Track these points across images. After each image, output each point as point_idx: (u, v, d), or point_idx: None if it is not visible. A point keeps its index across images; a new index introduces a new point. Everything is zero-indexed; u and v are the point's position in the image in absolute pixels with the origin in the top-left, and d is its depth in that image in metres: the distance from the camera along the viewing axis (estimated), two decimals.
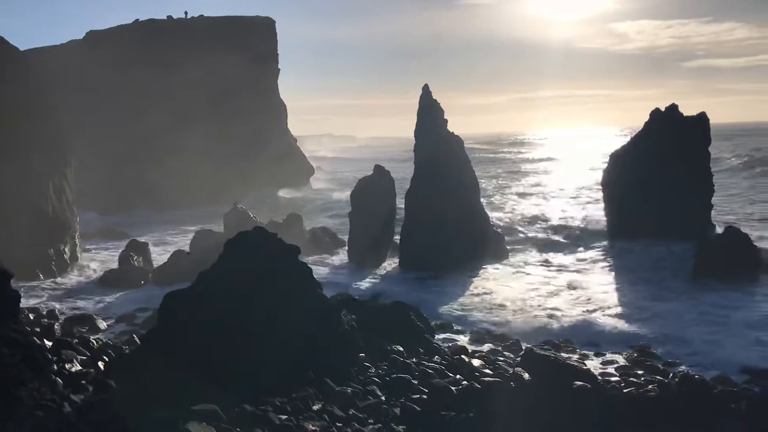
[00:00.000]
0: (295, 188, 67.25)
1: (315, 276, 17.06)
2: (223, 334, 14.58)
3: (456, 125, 32.79)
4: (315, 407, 13.56)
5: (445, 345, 19.74)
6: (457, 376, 15.93)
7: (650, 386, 15.26)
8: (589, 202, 50.22)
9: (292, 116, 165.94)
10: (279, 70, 74.51)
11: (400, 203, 34.09)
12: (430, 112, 33.10)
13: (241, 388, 13.52)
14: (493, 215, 39.18)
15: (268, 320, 15.16)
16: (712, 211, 33.17)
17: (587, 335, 20.96)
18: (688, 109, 34.02)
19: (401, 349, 17.49)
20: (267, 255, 15.96)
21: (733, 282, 26.10)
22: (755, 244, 28.36)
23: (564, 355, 17.91)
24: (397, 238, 33.87)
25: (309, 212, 50.46)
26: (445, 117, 33.16)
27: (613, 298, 25.43)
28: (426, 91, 33.34)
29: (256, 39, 70.23)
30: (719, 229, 30.65)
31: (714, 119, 34.14)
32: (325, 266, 33.23)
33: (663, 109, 34.32)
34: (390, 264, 32.95)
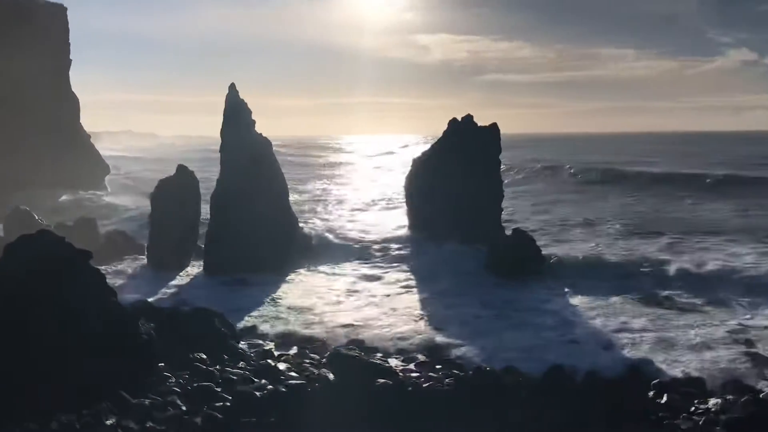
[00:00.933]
0: (87, 189, 62.57)
1: (110, 283, 15.98)
2: (3, 348, 13.15)
3: (266, 127, 32.41)
4: (108, 422, 12.69)
5: (251, 350, 19.38)
6: (263, 381, 15.69)
7: (447, 380, 16.12)
8: (393, 206, 52.12)
9: (87, 111, 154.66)
10: (71, 60, 69.14)
11: (205, 206, 33.07)
12: (237, 113, 32.40)
13: (25, 405, 12.29)
14: (303, 218, 39.26)
15: (56, 331, 13.91)
16: (502, 214, 35.78)
17: (390, 335, 21.60)
18: (482, 119, 36.47)
19: (204, 356, 16.91)
20: (54, 261, 14.65)
21: (520, 280, 28.42)
22: (539, 244, 31.15)
23: (368, 354, 18.31)
24: (202, 242, 32.80)
25: (104, 215, 47.19)
26: (254, 118, 32.66)
27: (413, 298, 26.53)
28: (233, 91, 32.59)
29: (43, 26, 64.47)
30: (508, 231, 33.11)
31: (504, 129, 36.83)
32: (122, 273, 31.28)
33: (460, 119, 36.47)
34: (194, 269, 31.81)
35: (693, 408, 15.05)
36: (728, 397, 15.63)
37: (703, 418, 14.30)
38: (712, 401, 15.34)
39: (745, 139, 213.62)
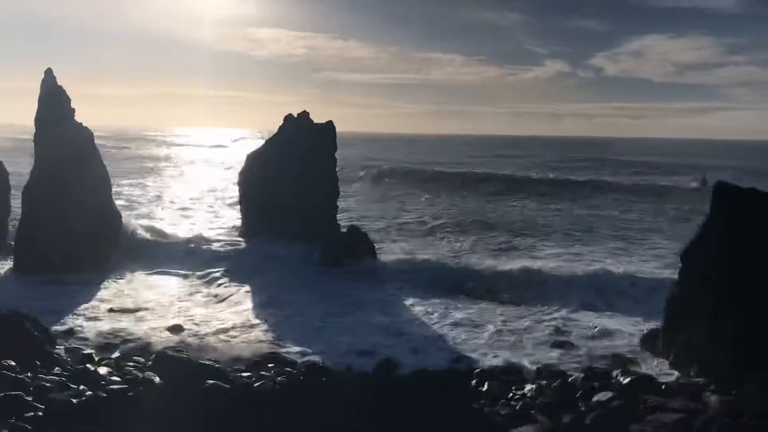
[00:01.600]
0: None
1: None
2: None
3: (87, 116, 30.33)
4: None
5: (68, 355, 18.01)
6: (81, 387, 14.61)
7: (279, 378, 15.96)
8: (225, 203, 50.88)
9: None
10: None
11: (15, 200, 30.39)
12: (54, 100, 29.96)
13: None
14: (127, 215, 37.11)
15: None
16: (337, 212, 36.10)
17: (220, 335, 21.06)
18: (318, 117, 36.59)
19: (13, 363, 15.45)
20: None
21: (354, 278, 28.85)
22: (374, 242, 31.85)
23: (196, 356, 17.72)
24: (12, 239, 30.09)
25: None
26: (74, 106, 30.40)
27: (244, 298, 25.92)
28: (50, 76, 30.11)
29: None
30: (343, 229, 33.47)
31: (340, 128, 37.22)
32: None
33: (296, 115, 36.32)
34: (2, 268, 29.09)
35: (511, 394, 16.05)
36: (542, 383, 16.84)
37: (519, 404, 15.27)
38: (528, 387, 16.44)
39: (562, 143, 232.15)
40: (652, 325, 21.48)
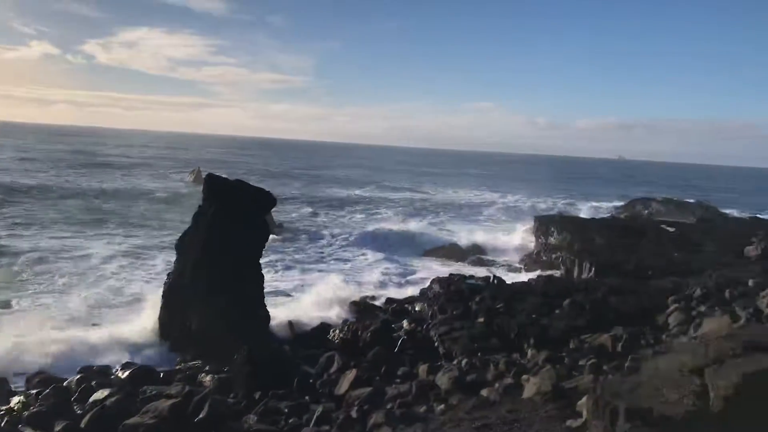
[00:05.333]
0: None
1: None
2: None
3: None
4: None
5: None
6: None
7: None
8: None
9: None
10: None
11: None
12: None
13: None
14: None
15: None
16: None
17: None
18: None
19: None
20: None
21: None
22: None
23: None
24: None
25: None
26: None
27: None
28: None
29: None
30: None
31: None
32: None
33: None
34: None
35: None
36: (32, 392, 15.38)
37: (4, 420, 13.69)
38: (15, 399, 14.83)
39: (54, 132, 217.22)
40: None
